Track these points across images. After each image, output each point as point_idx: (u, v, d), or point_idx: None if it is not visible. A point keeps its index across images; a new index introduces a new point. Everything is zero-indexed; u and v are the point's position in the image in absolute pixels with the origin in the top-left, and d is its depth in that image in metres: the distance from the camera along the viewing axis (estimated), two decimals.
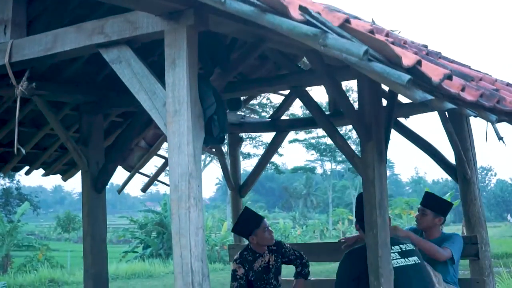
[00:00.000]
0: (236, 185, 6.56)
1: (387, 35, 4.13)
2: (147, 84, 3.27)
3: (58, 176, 6.44)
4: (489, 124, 5.56)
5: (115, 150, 5.32)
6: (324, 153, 50.42)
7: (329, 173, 54.99)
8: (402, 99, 5.84)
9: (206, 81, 3.22)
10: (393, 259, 4.27)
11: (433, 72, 2.86)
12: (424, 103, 2.87)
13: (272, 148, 6.49)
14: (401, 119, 5.85)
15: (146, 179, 6.55)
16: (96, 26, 3.42)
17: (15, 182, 32.94)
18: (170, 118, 3.13)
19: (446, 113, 5.41)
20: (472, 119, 5.66)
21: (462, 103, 3.14)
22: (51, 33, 3.59)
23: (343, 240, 5.56)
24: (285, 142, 63.93)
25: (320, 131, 49.65)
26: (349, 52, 2.46)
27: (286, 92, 6.11)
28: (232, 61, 4.30)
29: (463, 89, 3.12)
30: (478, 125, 5.75)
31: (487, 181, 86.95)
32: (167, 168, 6.78)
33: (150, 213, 33.49)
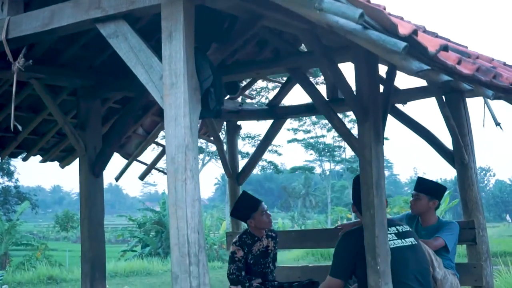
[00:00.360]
0: (234, 172, 6.56)
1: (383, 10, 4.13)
2: (143, 58, 3.27)
3: (57, 176, 6.45)
4: (487, 110, 5.62)
5: (112, 135, 5.31)
6: (322, 153, 50.38)
7: (327, 173, 54.92)
8: (400, 85, 5.87)
9: (203, 54, 3.22)
10: (389, 240, 4.28)
11: (429, 43, 2.87)
12: (419, 74, 2.88)
13: (270, 135, 6.49)
14: (399, 106, 5.86)
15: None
16: (93, 1, 3.42)
17: (13, 180, 32.93)
18: (166, 91, 3.13)
19: (444, 97, 5.41)
20: (469, 104, 5.68)
21: (458, 77, 3.15)
22: (48, 8, 3.59)
23: (340, 227, 5.56)
24: (283, 142, 63.95)
25: (318, 131, 49.69)
26: (344, 15, 2.46)
27: (284, 79, 6.12)
28: (230, 37, 4.29)
29: (459, 62, 3.13)
30: (475, 112, 5.79)
31: (485, 182, 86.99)
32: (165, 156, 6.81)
33: (149, 212, 33.50)
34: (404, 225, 4.66)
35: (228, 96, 6.22)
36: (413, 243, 4.49)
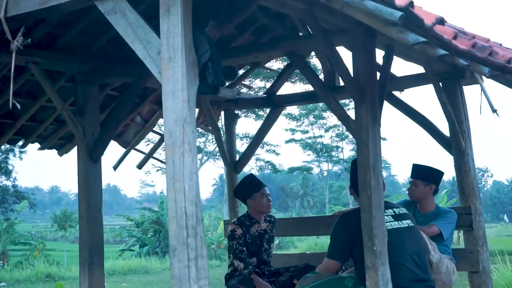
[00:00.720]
0: (232, 161, 6.58)
1: None
2: (141, 34, 3.29)
3: (55, 176, 6.46)
4: (483, 97, 5.64)
5: (111, 121, 5.33)
6: (320, 153, 50.41)
7: (325, 173, 55.01)
8: (397, 72, 5.89)
9: (200, 29, 3.24)
10: (386, 222, 4.30)
11: (426, 16, 2.90)
12: (416, 47, 2.91)
13: (267, 124, 6.51)
14: (396, 93, 5.89)
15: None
16: None
17: (11, 179, 32.92)
18: (164, 65, 3.15)
19: (441, 84, 5.44)
20: (466, 92, 5.71)
21: (454, 52, 3.17)
22: None
23: (337, 214, 5.58)
24: (281, 142, 63.96)
25: (316, 131, 49.74)
26: None
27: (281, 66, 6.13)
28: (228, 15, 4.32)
29: (455, 37, 3.16)
30: (472, 102, 5.81)
31: (483, 183, 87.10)
32: (163, 144, 6.82)
33: (147, 211, 33.50)
34: (401, 207, 4.68)
35: (226, 84, 6.25)
36: (410, 225, 4.51)
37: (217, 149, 37.59)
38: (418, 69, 5.70)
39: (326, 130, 49.11)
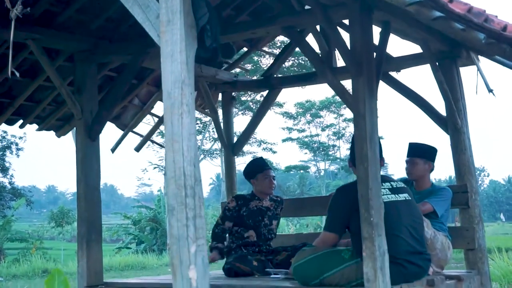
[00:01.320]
0: (229, 143, 6.62)
1: None
2: None
3: (53, 176, 6.48)
4: (480, 76, 5.67)
5: (109, 99, 5.35)
6: (317, 152, 50.46)
7: (322, 172, 55.03)
8: (393, 52, 5.93)
9: None
10: (383, 195, 4.33)
11: None
12: (411, 8, 2.94)
13: (265, 106, 6.55)
14: (393, 73, 5.92)
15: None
16: None
17: (8, 177, 32.82)
18: (163, 28, 3.17)
19: (437, 64, 5.48)
20: (462, 73, 5.74)
21: (450, 15, 3.20)
22: None
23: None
24: (278, 141, 63.91)
25: (313, 129, 49.75)
26: None
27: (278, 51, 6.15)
28: None
29: (451, 0, 3.19)
30: (468, 80, 5.85)
31: (480, 182, 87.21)
32: (161, 127, 6.83)
33: (144, 209, 33.50)
34: (398, 182, 4.72)
35: (224, 66, 6.29)
36: (407, 198, 4.55)
37: (214, 147, 37.80)
38: (415, 49, 5.73)
39: (323, 129, 49.16)
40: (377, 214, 4.08)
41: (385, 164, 4.74)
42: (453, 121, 5.51)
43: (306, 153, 52.39)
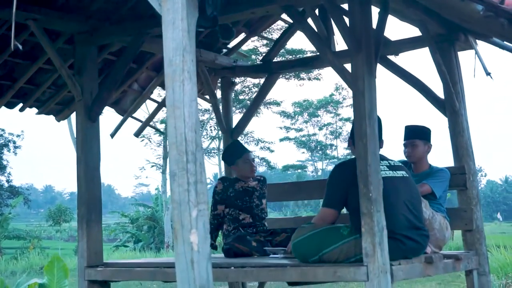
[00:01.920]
0: (228, 128, 6.65)
1: None
2: None
3: (50, 176, 6.49)
4: (477, 60, 5.71)
5: (109, 80, 5.38)
6: (315, 151, 50.57)
7: (320, 172, 55.10)
8: (391, 36, 5.96)
9: None
10: (381, 171, 4.36)
11: None
12: None
13: (263, 90, 6.58)
14: (391, 57, 5.96)
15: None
16: None
17: (6, 175, 32.83)
18: None
19: (435, 44, 5.51)
20: (460, 57, 5.78)
21: None
22: None
23: None
24: (276, 140, 64.06)
25: (311, 129, 49.87)
26: None
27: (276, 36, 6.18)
28: None
29: None
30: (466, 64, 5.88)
31: None
32: (162, 110, 6.83)
33: (141, 207, 33.51)
34: (396, 161, 4.75)
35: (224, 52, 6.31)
36: (405, 175, 4.58)
37: (211, 145, 37.80)
38: (413, 32, 5.77)
39: (320, 128, 49.25)
40: (375, 190, 4.11)
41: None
42: (451, 104, 5.54)
43: (303, 152, 52.53)
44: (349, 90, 47.63)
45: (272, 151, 41.92)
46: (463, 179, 5.45)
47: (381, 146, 4.49)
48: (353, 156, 4.41)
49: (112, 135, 6.58)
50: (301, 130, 49.44)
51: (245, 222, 5.61)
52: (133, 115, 6.67)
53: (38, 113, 6.23)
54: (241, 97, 32.70)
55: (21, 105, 6.09)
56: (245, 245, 5.29)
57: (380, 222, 4.07)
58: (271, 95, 42.00)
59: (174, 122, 3.10)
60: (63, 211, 34.79)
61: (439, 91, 5.65)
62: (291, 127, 48.78)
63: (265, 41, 26.13)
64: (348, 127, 43.27)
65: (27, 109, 6.15)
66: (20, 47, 3.66)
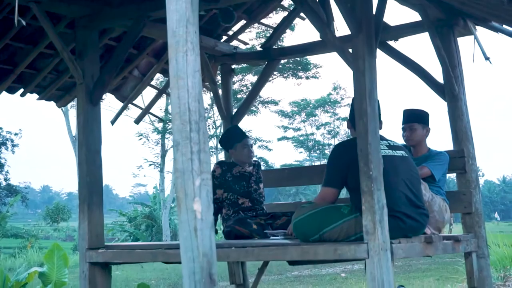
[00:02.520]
0: (228, 114, 6.67)
1: None
2: None
3: (47, 176, 6.49)
4: (477, 45, 5.74)
5: (110, 64, 5.39)
6: (312, 150, 50.64)
7: None
8: (390, 21, 5.99)
9: None
10: (381, 150, 4.39)
11: None
12: None
13: (263, 77, 6.61)
14: (391, 42, 5.99)
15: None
16: None
17: (3, 173, 32.82)
18: None
19: (435, 29, 5.55)
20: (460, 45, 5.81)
21: None
22: None
23: None
24: (274, 139, 64.11)
25: (309, 128, 49.91)
26: None
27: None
28: None
29: None
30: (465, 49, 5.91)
31: None
32: (165, 98, 6.84)
33: (139, 205, 33.51)
34: (395, 141, 4.78)
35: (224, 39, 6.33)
36: (404, 155, 4.61)
37: (209, 144, 37.72)
38: (413, 17, 5.79)
39: (318, 128, 49.30)
40: (376, 169, 4.13)
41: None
42: (450, 88, 5.57)
43: (301, 152, 52.58)
44: (347, 90, 47.72)
45: (270, 150, 41.97)
46: (462, 162, 5.49)
47: (380, 127, 4.51)
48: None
49: (113, 122, 6.61)
50: (299, 129, 49.52)
51: (245, 206, 5.64)
52: (134, 102, 6.70)
53: (39, 98, 6.25)
54: (239, 96, 32.72)
55: (21, 90, 6.11)
56: (246, 227, 5.32)
57: (380, 200, 4.09)
58: (269, 94, 42.08)
59: (177, 93, 3.12)
60: (61, 209, 34.79)
61: (439, 76, 5.69)
62: (289, 127, 48.85)
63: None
64: (345, 126, 43.37)
65: (28, 94, 6.16)
66: (24, 22, 3.69)
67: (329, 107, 47.99)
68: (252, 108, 34.60)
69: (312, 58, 32.34)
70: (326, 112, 48.72)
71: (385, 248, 4.07)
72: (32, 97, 6.27)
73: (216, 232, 5.82)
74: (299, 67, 32.54)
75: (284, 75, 33.44)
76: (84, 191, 5.29)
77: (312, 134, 49.82)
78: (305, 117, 48.33)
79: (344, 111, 46.99)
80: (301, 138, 49.71)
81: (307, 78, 33.16)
